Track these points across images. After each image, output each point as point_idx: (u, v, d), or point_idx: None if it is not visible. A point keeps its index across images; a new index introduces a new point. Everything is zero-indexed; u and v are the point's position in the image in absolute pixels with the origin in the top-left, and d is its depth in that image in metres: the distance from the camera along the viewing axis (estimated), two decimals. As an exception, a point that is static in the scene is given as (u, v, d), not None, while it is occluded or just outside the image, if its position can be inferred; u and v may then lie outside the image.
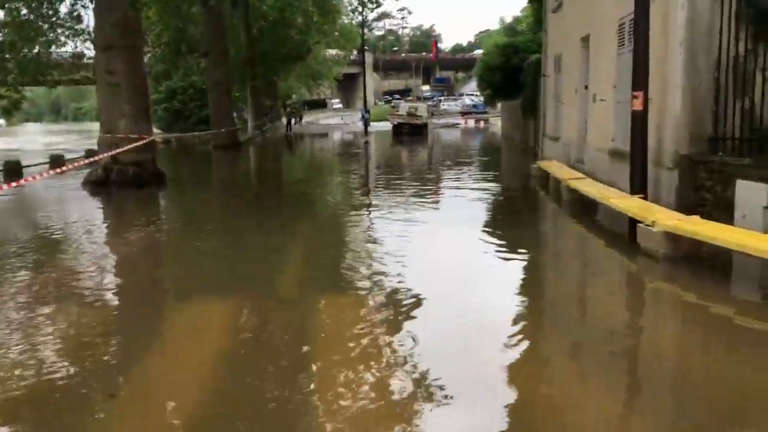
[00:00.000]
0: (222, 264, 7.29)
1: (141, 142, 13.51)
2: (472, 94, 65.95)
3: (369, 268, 6.79)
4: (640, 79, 7.66)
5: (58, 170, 12.78)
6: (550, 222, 10.71)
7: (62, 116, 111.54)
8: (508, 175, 17.16)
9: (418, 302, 5.43)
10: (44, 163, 17.51)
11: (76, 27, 21.22)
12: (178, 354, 4.58)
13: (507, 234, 8.72)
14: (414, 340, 4.56)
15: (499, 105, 48.10)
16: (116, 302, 5.93)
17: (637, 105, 7.71)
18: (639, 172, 7.82)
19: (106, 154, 13.14)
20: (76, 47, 24.50)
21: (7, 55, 22.88)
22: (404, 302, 5.43)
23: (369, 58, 70.22)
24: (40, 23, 22.66)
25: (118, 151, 12.72)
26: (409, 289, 5.79)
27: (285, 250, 7.99)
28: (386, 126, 38.30)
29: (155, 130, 42.34)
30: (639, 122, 7.77)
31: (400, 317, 5.06)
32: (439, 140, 32.92)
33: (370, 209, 11.25)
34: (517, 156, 21.30)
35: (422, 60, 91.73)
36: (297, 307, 5.54)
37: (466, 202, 11.60)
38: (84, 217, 10.78)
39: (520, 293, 5.98)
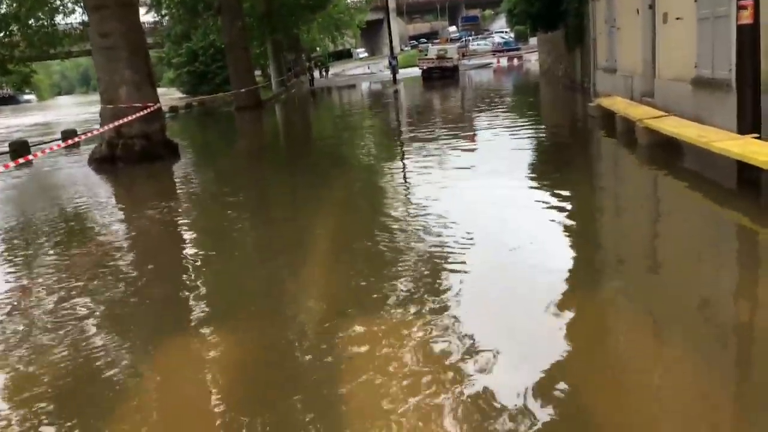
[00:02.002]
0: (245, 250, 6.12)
1: (146, 111, 12.09)
2: (502, 31, 62.99)
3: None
4: (750, -19, 5.87)
5: (53, 148, 11.44)
6: (630, 174, 8.40)
7: (92, 87, 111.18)
8: (561, 117, 15.12)
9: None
10: (56, 140, 16.32)
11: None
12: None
13: (580, 192, 7.12)
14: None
15: (531, 40, 45.93)
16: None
17: (746, 17, 5.94)
18: (750, 105, 6.11)
19: (102, 128, 11.75)
20: (84, 14, 23.07)
21: (12, 28, 21.68)
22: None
23: (392, 2, 67.36)
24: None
25: (117, 123, 11.28)
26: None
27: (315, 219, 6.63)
28: (415, 72, 36.30)
29: (179, 94, 42.36)
30: (749, 40, 6.01)
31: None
32: (472, 82, 30.94)
33: (410, 169, 9.73)
34: (564, 93, 19.28)
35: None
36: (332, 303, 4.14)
37: (518, 152, 9.95)
38: (85, 201, 9.50)
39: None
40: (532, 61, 38.41)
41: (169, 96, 41.40)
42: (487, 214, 6.34)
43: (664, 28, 9.92)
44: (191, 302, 4.77)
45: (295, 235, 6.45)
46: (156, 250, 6.66)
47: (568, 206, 6.47)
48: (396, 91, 29.71)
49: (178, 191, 10.13)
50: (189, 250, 6.57)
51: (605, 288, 4.50)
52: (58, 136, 16.93)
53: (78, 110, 37.97)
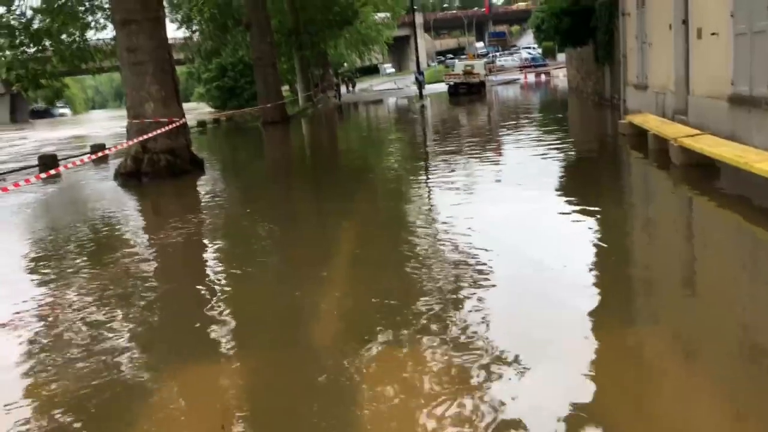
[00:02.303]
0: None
1: (172, 126, 12.12)
2: (529, 47, 62.71)
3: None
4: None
5: (77, 163, 11.50)
6: (663, 194, 7.95)
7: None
8: (590, 134, 14.76)
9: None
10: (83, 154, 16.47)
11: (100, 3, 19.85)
12: None
13: (611, 212, 6.88)
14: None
15: (559, 56, 45.58)
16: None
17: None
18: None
19: (128, 143, 11.79)
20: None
21: (45, 43, 22.04)
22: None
23: (419, 18, 67.56)
24: (77, 6, 21.73)
25: (142, 138, 11.31)
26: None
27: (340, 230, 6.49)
28: (441, 87, 36.31)
29: (209, 109, 42.76)
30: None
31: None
32: (498, 98, 30.74)
33: (436, 185, 9.55)
34: (593, 110, 18.98)
35: (474, 15, 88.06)
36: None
37: (547, 170, 9.68)
38: (107, 216, 9.50)
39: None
40: (560, 77, 38.06)
41: (198, 111, 42.05)
42: (515, 232, 6.25)
43: (698, 44, 9.64)
44: (211, 325, 4.63)
45: (320, 252, 6.38)
46: (178, 268, 6.57)
47: (599, 225, 6.25)
48: (422, 107, 29.67)
49: (203, 207, 10.06)
50: (212, 268, 6.46)
51: (636, 311, 4.28)
52: (88, 149, 17.10)
53: (110, 124, 38.52)
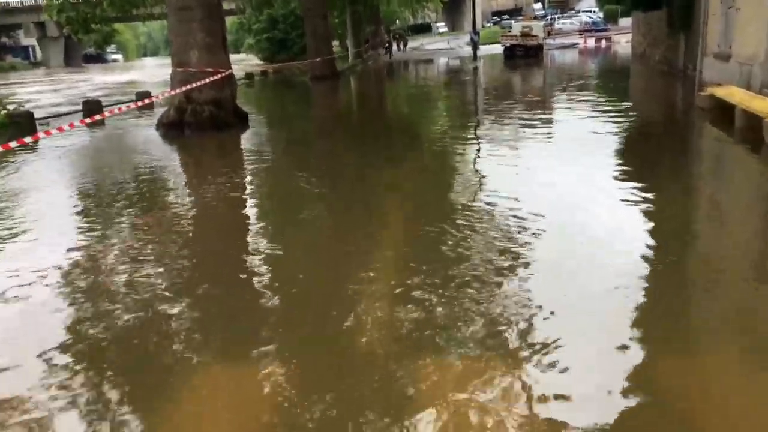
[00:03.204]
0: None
1: (217, 77, 11.57)
2: (590, 10, 60.08)
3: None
4: None
5: (122, 108, 11.08)
6: (751, 178, 6.91)
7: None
8: (660, 107, 13.51)
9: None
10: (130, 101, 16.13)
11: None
12: None
13: (688, 197, 6.08)
14: None
15: (621, 21, 43.42)
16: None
17: None
18: None
19: (172, 92, 11.30)
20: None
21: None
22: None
23: (476, -25, 65.34)
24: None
25: (187, 87, 10.81)
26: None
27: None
28: (496, 49, 34.83)
29: (257, 61, 42.27)
30: None
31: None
32: (557, 64, 29.31)
33: (485, 154, 8.81)
34: (662, 80, 17.71)
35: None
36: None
37: (613, 146, 8.81)
38: (144, 168, 9.08)
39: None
40: (621, 43, 36.24)
41: (246, 62, 41.54)
42: (568, 209, 5.65)
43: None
44: (243, 297, 4.14)
45: (362, 218, 6.05)
46: (214, 228, 6.11)
47: (671, 210, 5.51)
48: (476, 68, 28.50)
49: (245, 164, 9.57)
50: (248, 230, 6.00)
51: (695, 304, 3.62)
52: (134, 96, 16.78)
53: (161, 71, 38.40)
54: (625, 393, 2.83)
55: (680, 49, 16.92)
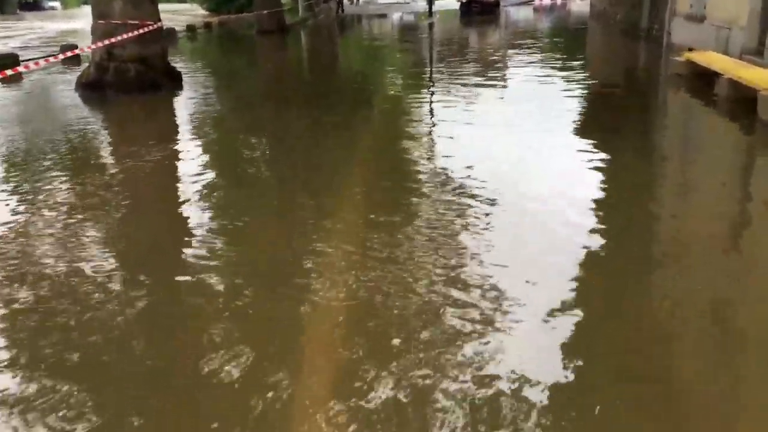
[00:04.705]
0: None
1: (144, 30, 10.24)
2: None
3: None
4: None
5: (40, 63, 9.69)
6: (745, 159, 6.17)
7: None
8: (632, 72, 12.53)
9: None
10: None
11: None
12: None
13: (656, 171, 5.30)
14: None
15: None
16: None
17: None
18: None
19: (89, 47, 9.95)
20: None
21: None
22: None
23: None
24: None
25: (107, 42, 9.47)
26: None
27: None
28: (453, 5, 33.67)
29: (203, 12, 40.03)
30: None
31: None
32: (513, 22, 28.36)
33: (440, 117, 7.92)
34: (625, 42, 16.92)
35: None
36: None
37: (574, 114, 8.03)
38: (55, 138, 7.81)
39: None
40: (577, 1, 35.55)
41: (191, 12, 39.17)
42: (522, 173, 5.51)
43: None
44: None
45: (310, 181, 5.79)
46: (133, 207, 5.06)
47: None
48: (431, 24, 27.43)
49: (175, 131, 8.41)
50: (173, 207, 5.01)
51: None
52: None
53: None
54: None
55: (644, 8, 16.11)
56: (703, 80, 8.53)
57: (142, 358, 2.97)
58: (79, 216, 4.90)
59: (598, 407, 2.42)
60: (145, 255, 4.17)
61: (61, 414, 2.51)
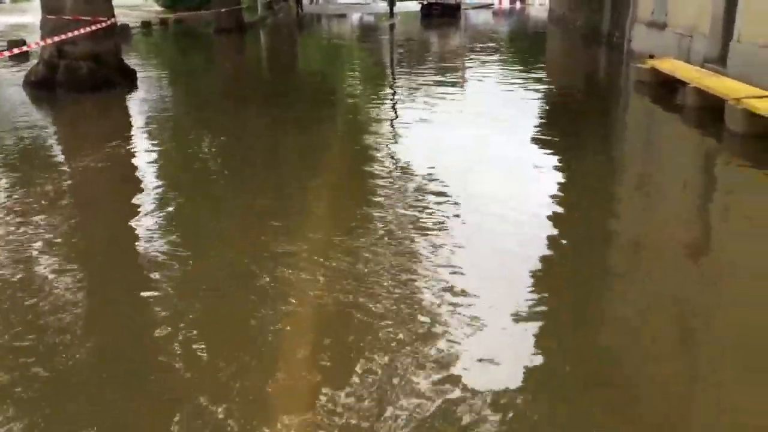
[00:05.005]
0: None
1: (96, 27, 9.80)
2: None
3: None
4: None
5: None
6: (726, 185, 5.78)
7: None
8: (594, 79, 12.56)
9: None
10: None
11: None
12: None
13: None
14: None
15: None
16: None
17: None
18: None
19: (41, 43, 9.48)
20: None
21: None
22: None
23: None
24: None
25: (58, 39, 9.02)
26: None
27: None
28: (414, 7, 33.64)
29: (158, 8, 39.14)
30: None
31: None
32: (472, 25, 28.47)
33: (401, 119, 7.88)
34: (586, 48, 17.07)
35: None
36: None
37: (541, 123, 7.97)
38: (8, 137, 7.37)
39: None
40: (535, 5, 36.05)
41: (146, 8, 38.16)
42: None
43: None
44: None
45: (267, 182, 5.74)
46: (83, 211, 4.76)
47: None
48: (392, 26, 27.37)
49: (129, 130, 8.04)
50: (126, 210, 4.72)
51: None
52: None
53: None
54: None
55: (605, 14, 16.27)
56: (666, 88, 8.55)
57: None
58: (22, 219, 4.57)
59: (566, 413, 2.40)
60: (95, 257, 3.92)
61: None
